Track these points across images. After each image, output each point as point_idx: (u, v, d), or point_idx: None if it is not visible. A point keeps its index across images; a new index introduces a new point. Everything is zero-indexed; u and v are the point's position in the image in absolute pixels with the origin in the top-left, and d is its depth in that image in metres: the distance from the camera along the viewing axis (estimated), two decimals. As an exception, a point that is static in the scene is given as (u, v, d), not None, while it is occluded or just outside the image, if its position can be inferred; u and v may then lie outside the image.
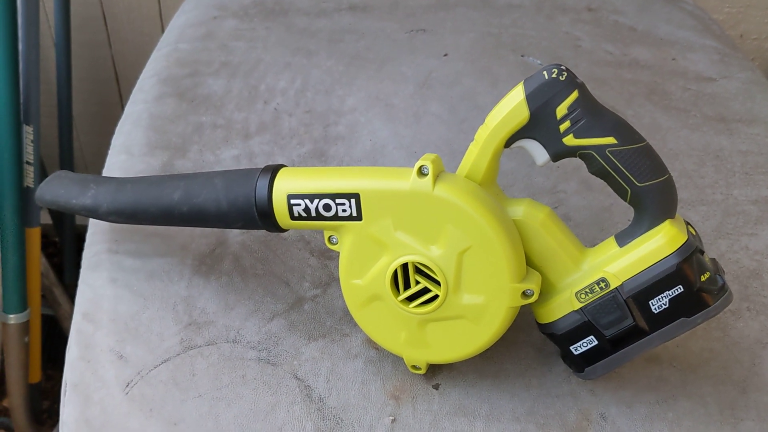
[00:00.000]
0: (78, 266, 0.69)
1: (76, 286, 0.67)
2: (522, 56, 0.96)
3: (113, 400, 0.56)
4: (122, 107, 0.86)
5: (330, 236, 0.55)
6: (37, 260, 1.20)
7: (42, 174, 1.18)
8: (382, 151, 0.80)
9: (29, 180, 1.14)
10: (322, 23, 1.01)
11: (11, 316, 1.16)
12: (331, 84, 0.90)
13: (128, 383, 0.56)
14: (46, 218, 1.45)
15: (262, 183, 0.55)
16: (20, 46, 1.11)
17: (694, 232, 0.54)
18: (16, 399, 1.22)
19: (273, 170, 0.56)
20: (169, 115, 0.82)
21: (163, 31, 1.02)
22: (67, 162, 1.38)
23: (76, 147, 1.51)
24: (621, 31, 1.04)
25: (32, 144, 1.15)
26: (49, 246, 1.59)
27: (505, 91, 0.52)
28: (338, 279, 0.57)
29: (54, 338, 1.42)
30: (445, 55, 0.96)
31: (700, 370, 0.60)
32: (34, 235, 1.18)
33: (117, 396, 0.56)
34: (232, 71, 0.90)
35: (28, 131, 1.14)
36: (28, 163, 1.14)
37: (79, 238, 0.71)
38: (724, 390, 0.58)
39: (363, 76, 0.91)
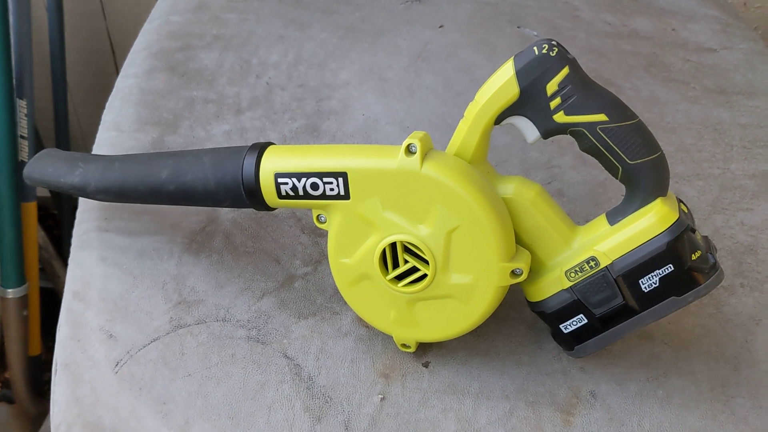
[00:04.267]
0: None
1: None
2: (518, 27, 0.94)
3: (103, 379, 0.56)
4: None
5: (318, 215, 0.55)
6: (34, 234, 1.20)
7: (37, 148, 1.17)
8: (374, 126, 0.79)
9: (24, 154, 1.14)
10: (316, -6, 1.00)
11: (9, 290, 1.16)
12: (324, 57, 0.88)
13: (118, 362, 0.56)
14: (45, 191, 1.44)
15: (249, 161, 0.55)
16: (11, 19, 1.10)
17: (686, 210, 0.53)
18: (16, 371, 1.23)
19: (260, 148, 0.55)
20: (160, 90, 0.81)
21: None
22: (63, 135, 1.37)
23: (73, 120, 1.50)
24: (621, 0, 1.02)
25: (26, 118, 1.14)
26: (48, 218, 1.58)
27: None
28: (328, 257, 0.56)
29: (54, 311, 1.42)
30: (441, 26, 0.94)
31: (692, 347, 0.59)
32: (30, 210, 1.18)
33: (107, 375, 0.56)
34: (225, 44, 0.89)
35: (21, 105, 1.14)
36: (22, 137, 1.14)
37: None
38: (716, 367, 0.58)
39: (357, 48, 0.90)
